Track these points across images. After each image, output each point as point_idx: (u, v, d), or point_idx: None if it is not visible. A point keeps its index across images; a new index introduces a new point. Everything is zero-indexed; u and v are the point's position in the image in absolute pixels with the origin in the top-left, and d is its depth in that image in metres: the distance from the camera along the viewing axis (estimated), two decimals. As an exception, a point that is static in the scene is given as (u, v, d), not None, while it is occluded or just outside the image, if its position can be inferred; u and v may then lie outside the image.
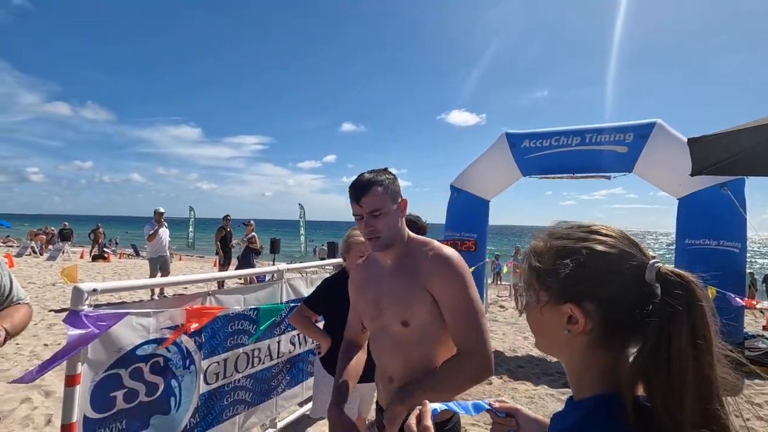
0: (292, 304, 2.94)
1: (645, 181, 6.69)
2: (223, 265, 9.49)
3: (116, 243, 25.76)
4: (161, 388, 2.13)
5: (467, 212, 7.69)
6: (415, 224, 3.67)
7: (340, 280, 2.24)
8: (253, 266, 9.06)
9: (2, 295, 1.63)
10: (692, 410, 0.55)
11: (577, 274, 0.64)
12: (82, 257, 17.05)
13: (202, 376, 2.37)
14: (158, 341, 2.11)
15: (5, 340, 1.51)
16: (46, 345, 5.14)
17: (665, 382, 0.57)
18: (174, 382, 2.21)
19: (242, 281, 8.60)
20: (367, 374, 2.08)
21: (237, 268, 8.97)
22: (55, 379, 4.17)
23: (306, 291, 3.27)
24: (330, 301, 2.30)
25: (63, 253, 15.63)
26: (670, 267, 0.60)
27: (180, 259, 19.51)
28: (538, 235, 0.74)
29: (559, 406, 3.97)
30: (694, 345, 0.56)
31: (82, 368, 1.79)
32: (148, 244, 8.08)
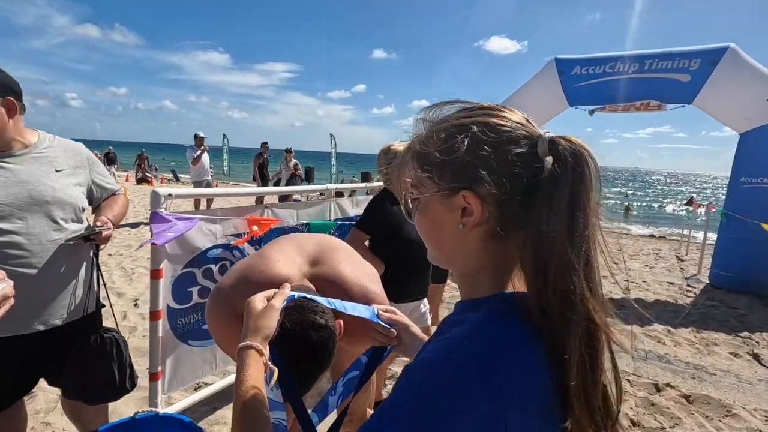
0: (339, 222, 3.07)
1: (697, 119, 6.24)
2: (260, 185, 9.62)
3: (156, 168, 26.85)
4: (229, 287, 2.35)
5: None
6: None
7: (385, 200, 2.22)
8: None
9: (103, 189, 1.74)
10: (554, 288, 0.51)
11: (471, 154, 0.55)
12: (127, 180, 17.96)
13: (262, 281, 2.59)
14: (224, 246, 2.29)
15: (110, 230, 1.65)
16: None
17: (535, 258, 0.52)
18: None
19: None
20: (407, 292, 2.18)
21: (284, 196, 9.06)
22: (124, 283, 4.64)
23: (351, 211, 3.38)
24: (377, 221, 2.27)
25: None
26: (563, 135, 0.54)
27: (216, 185, 20.25)
28: (416, 122, 0.64)
29: None
30: (571, 214, 0.51)
31: (163, 264, 1.99)
32: (192, 168, 8.23)
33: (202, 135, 8.29)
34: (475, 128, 0.55)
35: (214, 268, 2.25)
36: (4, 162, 1.44)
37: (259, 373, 0.80)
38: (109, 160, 18.83)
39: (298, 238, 1.39)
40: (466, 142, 0.55)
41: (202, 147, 8.23)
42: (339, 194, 6.45)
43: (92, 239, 1.55)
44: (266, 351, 0.85)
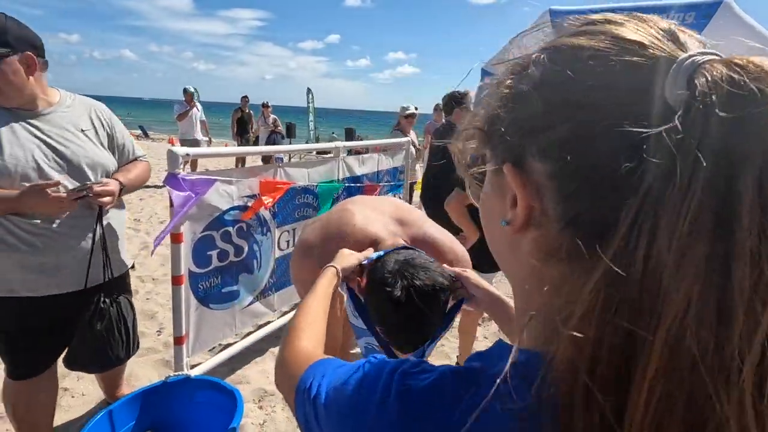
0: (347, 184, 3.01)
1: None
2: (240, 145, 9.06)
3: (122, 124, 25.23)
4: (246, 250, 2.30)
5: (497, 99, 7.39)
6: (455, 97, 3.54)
7: None
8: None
9: (124, 151, 1.69)
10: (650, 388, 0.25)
11: (525, 106, 0.33)
12: (93, 137, 16.96)
13: (276, 243, 2.54)
14: (241, 208, 2.21)
15: (120, 193, 1.57)
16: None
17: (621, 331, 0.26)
18: (255, 246, 2.37)
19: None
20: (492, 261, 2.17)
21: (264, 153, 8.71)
22: (142, 251, 4.37)
23: (359, 170, 3.30)
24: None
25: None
26: (738, 58, 0.27)
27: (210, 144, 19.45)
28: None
29: None
30: (728, 235, 0.24)
31: (183, 227, 1.90)
32: (179, 125, 7.63)
33: (191, 90, 7.63)
34: (543, 58, 0.33)
35: (232, 230, 2.18)
36: (30, 122, 1.39)
37: (329, 290, 0.94)
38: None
39: (368, 199, 1.42)
40: (520, 86, 0.34)
41: (192, 103, 7.65)
42: (322, 153, 6.29)
43: (85, 196, 1.42)
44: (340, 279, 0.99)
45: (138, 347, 1.78)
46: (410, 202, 4.77)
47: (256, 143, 9.17)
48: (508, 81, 0.36)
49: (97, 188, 1.45)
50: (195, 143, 7.65)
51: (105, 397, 2.15)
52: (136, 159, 1.73)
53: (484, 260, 2.10)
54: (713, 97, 0.24)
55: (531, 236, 0.35)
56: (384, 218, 1.26)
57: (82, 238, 1.52)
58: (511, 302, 0.94)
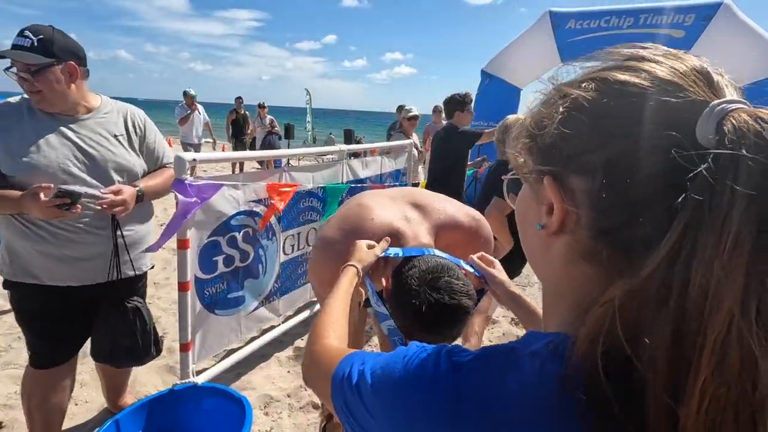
0: (351, 186, 2.99)
1: None
2: (236, 148, 8.88)
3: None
4: (251, 255, 2.28)
5: (497, 100, 7.37)
6: (456, 99, 3.54)
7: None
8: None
9: (157, 158, 1.76)
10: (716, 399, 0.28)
11: (566, 125, 0.38)
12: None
13: (281, 247, 2.51)
14: (247, 213, 2.19)
15: (138, 200, 1.61)
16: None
17: (668, 337, 0.30)
18: (261, 251, 2.34)
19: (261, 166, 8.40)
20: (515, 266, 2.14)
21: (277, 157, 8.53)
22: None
23: (362, 172, 3.29)
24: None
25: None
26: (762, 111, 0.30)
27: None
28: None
29: None
30: (752, 248, 0.28)
31: (189, 233, 1.88)
32: (180, 129, 7.47)
33: (192, 92, 7.42)
34: (591, 88, 0.38)
35: (238, 235, 2.15)
36: (69, 127, 1.50)
37: (350, 288, 0.97)
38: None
39: (382, 191, 1.41)
40: (562, 107, 0.39)
41: (193, 106, 7.42)
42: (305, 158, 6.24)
43: (74, 203, 1.41)
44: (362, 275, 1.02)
45: (159, 351, 1.81)
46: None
47: (252, 145, 9.00)
48: (559, 102, 0.40)
49: (107, 200, 1.48)
50: (197, 148, 7.56)
51: (107, 406, 2.13)
52: (164, 166, 1.79)
53: (507, 267, 2.11)
54: (741, 143, 0.29)
55: (564, 240, 0.40)
56: (401, 206, 1.26)
57: (103, 235, 1.58)
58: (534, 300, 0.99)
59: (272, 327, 2.73)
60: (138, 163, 1.65)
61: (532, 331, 0.42)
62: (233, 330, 2.28)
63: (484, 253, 1.08)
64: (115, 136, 1.59)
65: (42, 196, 1.35)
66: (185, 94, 7.40)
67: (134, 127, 1.67)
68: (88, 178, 1.51)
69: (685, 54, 0.38)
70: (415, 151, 5.09)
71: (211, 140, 8.02)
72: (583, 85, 0.39)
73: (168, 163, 1.79)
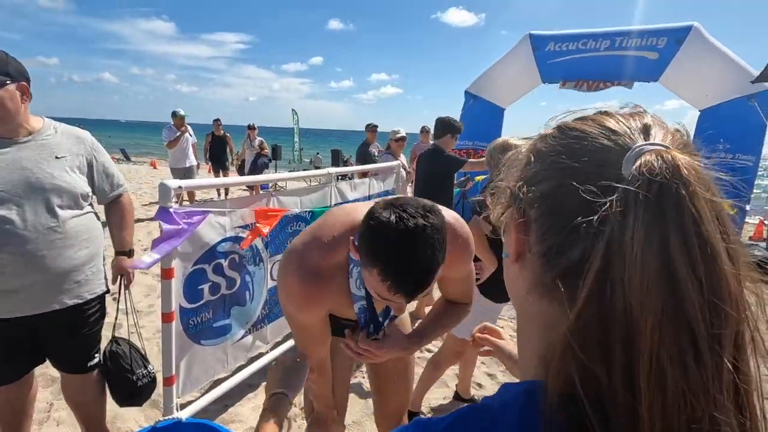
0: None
1: (639, 94, 6.54)
2: (217, 173, 8.44)
3: (102, 147, 24.78)
4: (238, 282, 2.23)
5: (481, 120, 7.50)
6: (452, 125, 3.59)
7: None
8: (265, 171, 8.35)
9: (106, 181, 1.73)
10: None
11: (538, 159, 0.43)
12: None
13: (269, 273, 2.47)
14: (233, 239, 2.15)
15: (131, 254, 1.71)
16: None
17: (601, 357, 0.32)
18: (248, 278, 2.30)
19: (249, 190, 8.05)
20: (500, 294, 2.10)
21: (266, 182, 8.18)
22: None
23: (350, 194, 3.28)
24: None
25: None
26: (674, 155, 0.34)
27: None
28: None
29: None
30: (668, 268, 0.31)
31: (174, 262, 1.84)
32: (169, 152, 6.91)
33: (182, 113, 6.82)
34: (549, 132, 0.44)
35: (224, 263, 2.11)
36: (8, 148, 1.47)
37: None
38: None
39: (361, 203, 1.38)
40: (528, 153, 0.44)
41: (183, 128, 6.81)
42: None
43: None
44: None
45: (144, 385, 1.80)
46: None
47: (241, 167, 8.67)
48: (524, 149, 0.47)
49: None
50: (188, 172, 6.96)
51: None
52: (119, 195, 1.77)
53: (495, 290, 2.09)
54: (642, 179, 0.33)
55: (524, 269, 0.43)
56: (370, 203, 1.22)
57: (32, 264, 1.48)
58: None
59: (260, 354, 2.66)
60: (80, 186, 1.58)
61: (506, 384, 0.41)
62: (220, 360, 2.21)
63: (487, 324, 1.01)
64: (57, 158, 1.53)
65: None
66: (174, 114, 6.87)
67: (81, 150, 1.62)
68: (24, 202, 1.44)
69: (646, 113, 0.41)
70: (403, 172, 5.13)
71: (197, 163, 7.67)
72: (549, 132, 0.44)
73: (120, 190, 1.76)
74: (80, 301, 1.62)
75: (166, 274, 1.81)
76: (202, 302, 2.03)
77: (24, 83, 1.48)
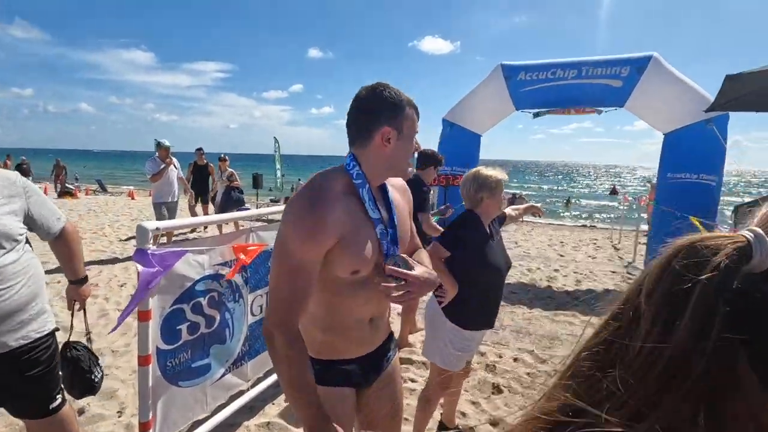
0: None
1: (614, 115, 6.88)
2: (196, 203, 8.07)
3: (76, 178, 24.38)
4: (218, 320, 2.21)
5: (459, 147, 7.71)
6: (435, 157, 3.70)
7: (475, 221, 2.11)
8: (242, 205, 8.06)
9: (45, 218, 1.72)
10: None
11: None
12: (45, 193, 16.18)
13: (249, 309, 2.46)
14: (212, 277, 2.15)
15: (86, 281, 1.57)
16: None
17: None
18: (227, 315, 2.28)
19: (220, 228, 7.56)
20: (487, 320, 2.16)
21: (221, 211, 7.64)
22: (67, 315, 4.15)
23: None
24: (466, 240, 2.09)
25: (25, 189, 14.70)
26: None
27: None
28: None
29: (555, 327, 4.27)
30: None
31: (151, 304, 1.82)
32: (153, 186, 6.53)
33: (166, 144, 6.40)
34: None
35: (203, 301, 2.10)
36: None
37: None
38: (23, 172, 16.93)
39: None
40: None
41: (167, 159, 6.38)
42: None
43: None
44: None
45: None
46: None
47: (215, 200, 8.33)
48: None
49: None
50: (173, 208, 6.62)
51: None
52: (61, 229, 1.77)
53: (471, 319, 2.13)
54: None
55: None
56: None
57: (12, 300, 1.52)
58: None
59: (241, 392, 2.60)
60: (15, 228, 1.57)
61: None
62: (198, 401, 2.16)
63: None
64: None
65: None
66: (159, 145, 6.42)
67: (12, 191, 1.60)
68: None
69: None
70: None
71: (186, 196, 7.17)
72: None
73: (59, 219, 1.77)
74: (27, 342, 1.59)
75: (143, 317, 1.79)
76: (180, 343, 2.01)
77: None
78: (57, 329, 1.75)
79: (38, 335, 1.63)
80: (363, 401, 1.37)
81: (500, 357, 3.59)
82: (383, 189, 1.29)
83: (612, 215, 14.09)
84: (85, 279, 1.88)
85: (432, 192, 5.41)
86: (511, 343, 3.90)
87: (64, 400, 1.74)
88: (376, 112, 1.15)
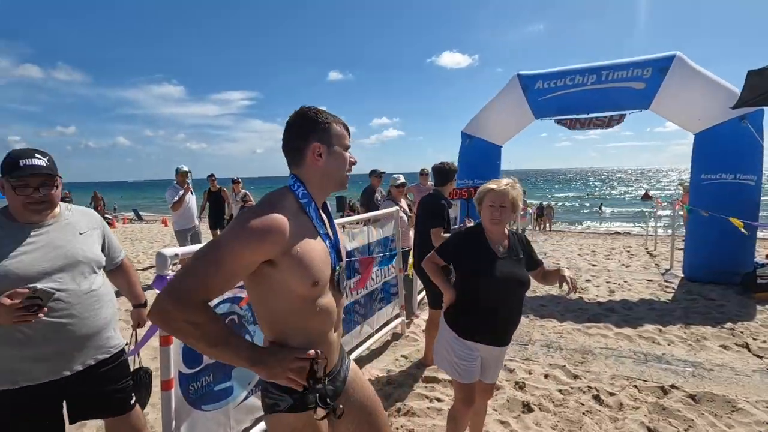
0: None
1: (643, 117, 6.65)
2: (214, 230, 8.06)
3: (114, 209, 25.62)
4: (238, 343, 2.23)
5: (479, 159, 7.65)
6: (449, 171, 3.67)
7: (477, 235, 2.11)
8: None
9: (112, 249, 1.99)
10: None
11: None
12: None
13: (270, 330, 2.47)
14: (231, 300, 2.18)
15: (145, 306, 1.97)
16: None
17: None
18: (248, 337, 2.30)
19: None
20: (492, 336, 2.08)
21: None
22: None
23: (348, 244, 3.32)
24: (462, 253, 2.12)
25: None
26: None
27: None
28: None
29: (588, 340, 4.07)
30: None
31: (172, 329, 1.86)
32: (173, 214, 6.44)
33: (185, 169, 6.32)
34: None
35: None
36: (41, 230, 1.67)
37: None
38: (65, 204, 17.87)
39: None
40: None
41: (185, 186, 6.30)
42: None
43: (41, 307, 1.55)
44: None
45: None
46: (405, 269, 4.76)
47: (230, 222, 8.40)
48: None
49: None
50: (196, 234, 6.55)
51: None
52: (122, 259, 2.07)
53: (489, 334, 2.08)
54: None
55: None
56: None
57: (82, 326, 1.71)
58: None
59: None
60: (99, 255, 1.84)
61: None
62: (222, 425, 2.17)
63: None
64: (80, 234, 1.78)
65: (6, 300, 1.44)
66: (177, 171, 6.37)
67: (93, 224, 1.88)
68: (64, 274, 1.66)
69: None
70: (405, 217, 5.18)
71: (197, 224, 6.93)
72: None
73: (122, 251, 2.10)
74: (109, 355, 1.83)
75: (164, 341, 1.83)
76: (201, 366, 2.03)
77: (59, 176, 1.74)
78: (128, 343, 2.06)
79: (117, 350, 1.88)
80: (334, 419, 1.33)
81: (530, 374, 3.46)
82: (324, 207, 1.40)
83: (646, 221, 13.55)
84: (146, 303, 2.07)
85: (453, 205, 5.36)
86: (542, 358, 3.76)
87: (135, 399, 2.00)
88: (304, 131, 1.27)
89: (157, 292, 1.73)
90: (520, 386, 3.24)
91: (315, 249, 1.22)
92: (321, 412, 1.25)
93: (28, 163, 1.60)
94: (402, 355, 3.89)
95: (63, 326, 1.64)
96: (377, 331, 3.96)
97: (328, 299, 1.28)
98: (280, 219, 1.14)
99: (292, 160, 1.29)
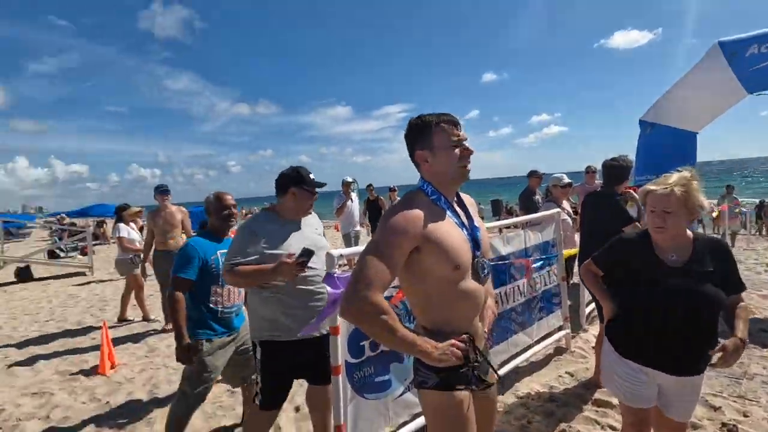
0: (493, 264, 2.92)
1: None
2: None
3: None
4: (395, 339, 2.37)
5: (665, 150, 6.42)
6: (622, 168, 3.20)
7: (642, 240, 1.82)
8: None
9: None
10: None
11: None
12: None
13: (424, 330, 2.56)
14: (387, 298, 2.33)
15: None
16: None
17: None
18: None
19: None
20: (663, 361, 1.72)
21: None
22: None
23: (503, 249, 3.20)
24: (620, 262, 1.88)
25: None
26: None
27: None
28: None
29: None
30: None
31: (339, 320, 2.09)
32: (339, 219, 7.48)
33: (349, 179, 7.36)
34: None
35: (382, 321, 2.29)
36: (300, 227, 2.29)
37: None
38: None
39: None
40: None
41: (348, 193, 7.33)
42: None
43: (304, 262, 2.08)
44: None
45: None
46: (568, 276, 4.33)
47: None
48: None
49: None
50: (356, 238, 7.48)
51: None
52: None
53: (629, 344, 1.79)
54: None
55: None
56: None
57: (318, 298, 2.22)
58: None
59: (421, 413, 2.69)
60: (327, 246, 2.34)
61: None
62: (381, 414, 2.33)
63: None
64: (316, 230, 2.38)
65: (288, 260, 2.03)
66: (343, 182, 7.45)
67: (317, 226, 2.44)
68: (315, 258, 2.12)
69: None
70: (569, 219, 4.72)
71: (360, 228, 7.93)
72: None
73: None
74: (324, 331, 2.21)
75: (333, 331, 2.07)
76: (364, 357, 2.23)
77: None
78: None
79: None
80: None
81: (745, 416, 2.73)
82: (459, 202, 1.53)
83: None
84: None
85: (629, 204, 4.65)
86: (764, 398, 2.93)
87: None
88: (409, 142, 1.46)
89: (327, 287, 1.98)
90: (729, 429, 2.59)
91: (452, 235, 1.37)
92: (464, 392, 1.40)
93: (318, 181, 2.29)
94: (567, 372, 3.53)
95: (319, 297, 2.18)
96: (537, 342, 3.68)
97: (470, 284, 1.41)
98: (415, 210, 1.33)
99: (416, 166, 1.48)
